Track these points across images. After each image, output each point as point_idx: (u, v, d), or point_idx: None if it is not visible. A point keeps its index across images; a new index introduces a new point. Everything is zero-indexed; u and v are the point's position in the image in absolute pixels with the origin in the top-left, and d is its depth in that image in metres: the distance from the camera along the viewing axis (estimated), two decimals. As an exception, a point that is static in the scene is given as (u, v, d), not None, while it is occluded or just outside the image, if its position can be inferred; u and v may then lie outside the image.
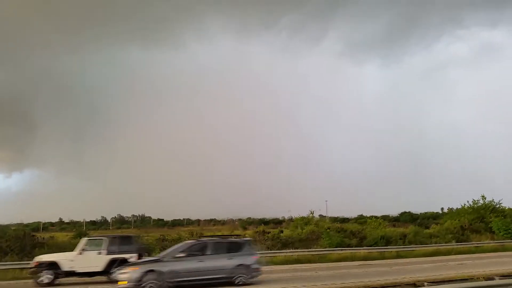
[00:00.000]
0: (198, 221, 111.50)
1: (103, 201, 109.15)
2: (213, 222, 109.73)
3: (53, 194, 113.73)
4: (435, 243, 29.12)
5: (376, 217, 54.38)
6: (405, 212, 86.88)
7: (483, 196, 34.58)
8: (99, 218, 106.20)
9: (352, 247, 26.43)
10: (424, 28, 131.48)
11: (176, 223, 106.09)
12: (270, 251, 24.06)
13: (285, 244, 26.84)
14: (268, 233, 26.22)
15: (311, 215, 35.88)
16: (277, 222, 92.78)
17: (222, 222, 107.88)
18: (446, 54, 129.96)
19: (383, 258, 24.72)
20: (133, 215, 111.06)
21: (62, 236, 41.06)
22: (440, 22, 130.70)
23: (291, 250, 24.15)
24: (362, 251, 25.09)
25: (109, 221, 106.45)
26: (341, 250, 24.79)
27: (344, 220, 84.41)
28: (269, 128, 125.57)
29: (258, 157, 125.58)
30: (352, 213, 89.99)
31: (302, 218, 35.19)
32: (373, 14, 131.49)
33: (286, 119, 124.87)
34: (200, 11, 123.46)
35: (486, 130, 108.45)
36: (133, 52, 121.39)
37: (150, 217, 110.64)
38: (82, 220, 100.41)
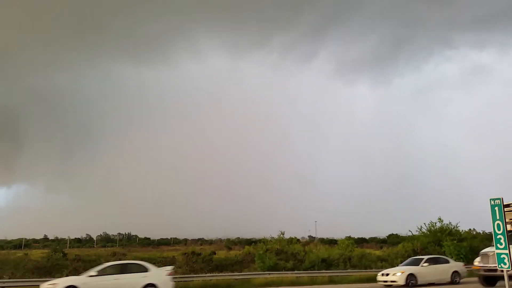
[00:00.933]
0: (186, 240, 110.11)
1: (90, 219, 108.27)
2: (200, 241, 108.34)
3: (39, 210, 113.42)
4: (381, 267, 27.84)
5: (349, 237, 52.91)
6: (392, 234, 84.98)
7: (440, 219, 33.34)
8: (84, 235, 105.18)
9: (288, 270, 25.37)
10: (413, 49, 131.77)
11: (162, 242, 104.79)
12: (194, 275, 23.05)
13: (219, 266, 25.84)
14: (199, 255, 25.21)
15: (281, 235, 34.86)
16: (265, 242, 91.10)
17: (210, 242, 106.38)
18: (435, 74, 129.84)
19: (313, 283, 23.55)
20: (119, 233, 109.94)
21: (38, 254, 39.66)
22: (429, 43, 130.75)
23: (212, 274, 23.06)
24: (291, 275, 23.98)
25: (94, 239, 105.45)
26: (269, 274, 23.68)
27: (332, 241, 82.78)
28: (261, 147, 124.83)
29: (250, 176, 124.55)
30: (342, 234, 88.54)
31: (272, 239, 34.21)
32: (363, 35, 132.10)
33: (278, 138, 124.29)
34: (193, 31, 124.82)
35: (476, 151, 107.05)
36: (125, 69, 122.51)
37: (136, 236, 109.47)
38: (66, 238, 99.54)
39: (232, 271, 25.03)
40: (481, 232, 49.46)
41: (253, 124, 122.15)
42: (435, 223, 33.53)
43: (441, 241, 31.90)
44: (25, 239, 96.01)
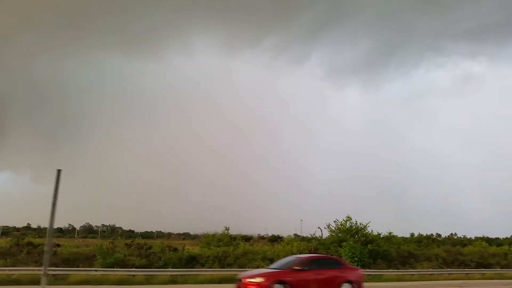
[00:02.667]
0: (169, 234, 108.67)
1: (75, 209, 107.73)
2: (183, 236, 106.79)
3: (24, 199, 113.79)
4: (257, 266, 24.68)
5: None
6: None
7: (348, 217, 29.73)
8: (67, 225, 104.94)
9: (137, 267, 22.53)
10: (404, 54, 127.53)
11: (145, 236, 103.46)
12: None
13: (68, 261, 23.24)
14: (38, 246, 22.64)
15: (226, 231, 32.34)
16: (246, 239, 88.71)
17: (193, 237, 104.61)
18: (426, 81, 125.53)
19: (148, 283, 20.64)
20: (103, 224, 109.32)
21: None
22: (420, 49, 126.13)
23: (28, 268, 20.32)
24: (124, 273, 21.10)
25: (77, 229, 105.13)
26: (96, 270, 20.87)
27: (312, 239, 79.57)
28: (251, 145, 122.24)
29: (240, 173, 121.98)
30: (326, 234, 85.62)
31: (213, 235, 31.91)
32: (354, 40, 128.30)
33: (268, 137, 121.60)
34: (185, 27, 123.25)
35: (465, 160, 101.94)
36: (117, 62, 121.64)
37: (120, 228, 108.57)
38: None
39: (77, 266, 22.39)
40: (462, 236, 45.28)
41: (243, 122, 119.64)
42: (346, 221, 29.96)
43: (344, 242, 28.37)
44: (7, 227, 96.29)
